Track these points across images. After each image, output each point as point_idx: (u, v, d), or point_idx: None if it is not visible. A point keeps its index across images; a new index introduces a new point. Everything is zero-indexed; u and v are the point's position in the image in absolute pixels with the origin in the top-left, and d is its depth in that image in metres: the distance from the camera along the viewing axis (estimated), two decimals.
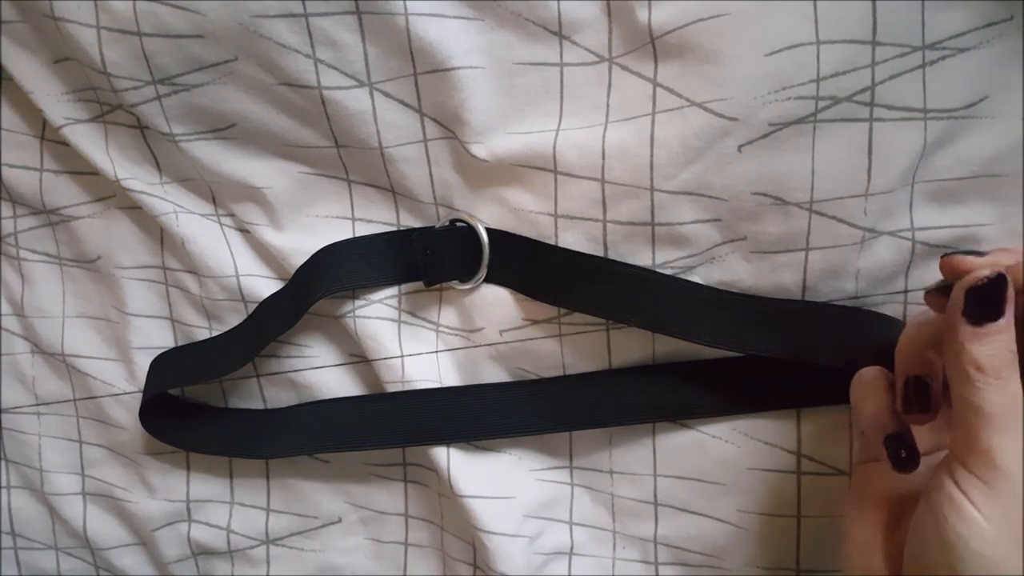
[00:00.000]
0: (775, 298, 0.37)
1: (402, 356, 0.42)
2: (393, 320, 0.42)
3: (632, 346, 0.40)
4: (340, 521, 0.47)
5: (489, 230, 0.40)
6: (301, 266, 0.42)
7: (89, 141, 0.43)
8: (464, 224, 0.40)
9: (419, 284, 0.42)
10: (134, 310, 0.46)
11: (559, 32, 0.37)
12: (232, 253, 0.43)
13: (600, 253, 0.38)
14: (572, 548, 0.43)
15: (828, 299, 0.37)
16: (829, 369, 0.36)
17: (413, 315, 0.43)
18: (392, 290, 0.43)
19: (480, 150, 0.38)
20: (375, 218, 0.42)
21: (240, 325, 0.43)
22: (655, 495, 0.41)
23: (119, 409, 0.47)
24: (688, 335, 0.37)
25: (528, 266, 0.39)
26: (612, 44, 0.37)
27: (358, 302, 0.42)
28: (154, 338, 0.46)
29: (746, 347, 0.37)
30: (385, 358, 0.42)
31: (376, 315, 0.42)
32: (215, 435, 0.46)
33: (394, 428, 0.42)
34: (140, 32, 0.38)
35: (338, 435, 0.43)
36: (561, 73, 0.38)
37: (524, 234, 0.39)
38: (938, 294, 0.30)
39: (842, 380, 0.37)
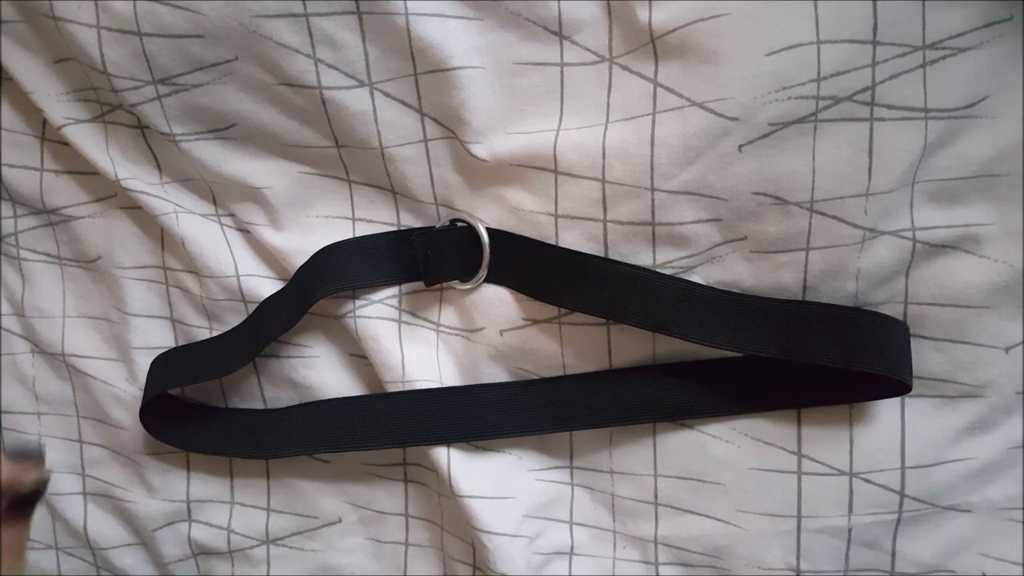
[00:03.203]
0: (775, 298, 0.37)
1: (402, 356, 0.42)
2: (393, 320, 0.42)
3: (632, 346, 0.40)
4: (340, 521, 0.47)
5: (489, 230, 0.40)
6: (301, 266, 0.42)
7: (89, 141, 0.43)
8: (464, 224, 0.40)
9: (419, 284, 0.42)
10: (134, 310, 0.46)
11: (559, 32, 0.37)
12: (232, 253, 0.43)
13: (600, 253, 0.38)
14: (572, 548, 0.43)
15: (828, 299, 0.37)
16: (829, 369, 0.36)
17: (413, 315, 0.43)
18: (392, 290, 0.42)
19: (480, 150, 0.38)
20: (375, 218, 0.42)
21: (240, 325, 0.43)
22: (655, 495, 0.41)
23: (119, 409, 0.47)
24: (688, 335, 0.37)
25: (528, 266, 0.39)
26: (612, 44, 0.37)
27: (358, 302, 0.42)
28: (154, 338, 0.46)
29: (746, 347, 0.37)
30: (385, 358, 0.42)
31: (376, 315, 0.42)
32: (215, 435, 0.46)
33: (394, 428, 0.42)
34: (140, 32, 0.38)
35: (338, 435, 0.43)
36: (561, 73, 0.38)
37: (524, 234, 0.39)
38: None
39: (842, 380, 0.37)
